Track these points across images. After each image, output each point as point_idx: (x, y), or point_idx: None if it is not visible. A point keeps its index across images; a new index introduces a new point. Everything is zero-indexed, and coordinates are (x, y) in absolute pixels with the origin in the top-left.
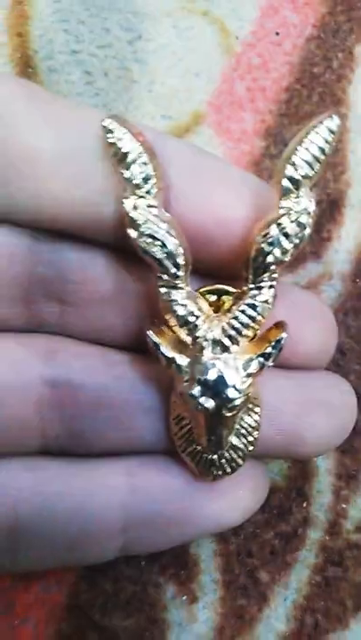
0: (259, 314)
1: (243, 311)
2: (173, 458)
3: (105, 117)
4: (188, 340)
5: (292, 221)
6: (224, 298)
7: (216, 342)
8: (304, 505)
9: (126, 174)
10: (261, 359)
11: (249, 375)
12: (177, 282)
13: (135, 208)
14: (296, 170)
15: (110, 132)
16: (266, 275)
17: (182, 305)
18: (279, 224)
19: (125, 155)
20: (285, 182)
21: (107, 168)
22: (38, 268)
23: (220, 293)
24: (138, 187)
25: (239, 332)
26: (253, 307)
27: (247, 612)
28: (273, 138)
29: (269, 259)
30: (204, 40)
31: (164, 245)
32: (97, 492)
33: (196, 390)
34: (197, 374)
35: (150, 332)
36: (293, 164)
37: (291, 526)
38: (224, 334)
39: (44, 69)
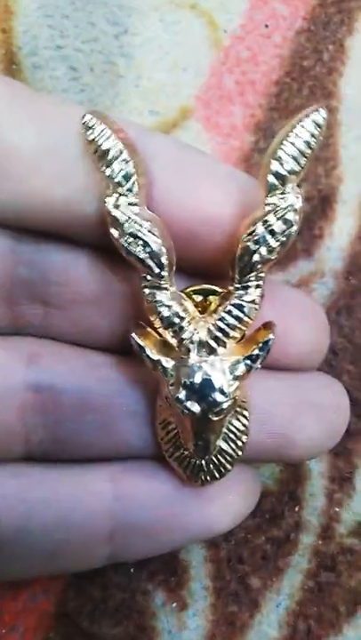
0: (245, 314)
1: (229, 312)
2: (161, 463)
3: (85, 113)
4: (174, 342)
5: (278, 218)
6: (211, 298)
7: (202, 344)
8: (296, 509)
9: (107, 172)
10: (248, 361)
11: (236, 378)
12: (161, 282)
13: (117, 207)
14: (282, 165)
15: (90, 128)
16: (252, 274)
17: (167, 306)
18: (265, 221)
19: (105, 152)
20: (271, 178)
21: (88, 166)
22: (20, 269)
23: (206, 293)
24: (119, 185)
25: (226, 334)
26: (240, 307)
27: (238, 619)
28: (263, 132)
29: (255, 257)
30: (191, 33)
31: (146, 245)
32: (82, 498)
33: (182, 394)
34: (183, 377)
35: (134, 335)
36: (279, 159)
37: (283, 531)
38: (210, 336)
39: (28, 66)
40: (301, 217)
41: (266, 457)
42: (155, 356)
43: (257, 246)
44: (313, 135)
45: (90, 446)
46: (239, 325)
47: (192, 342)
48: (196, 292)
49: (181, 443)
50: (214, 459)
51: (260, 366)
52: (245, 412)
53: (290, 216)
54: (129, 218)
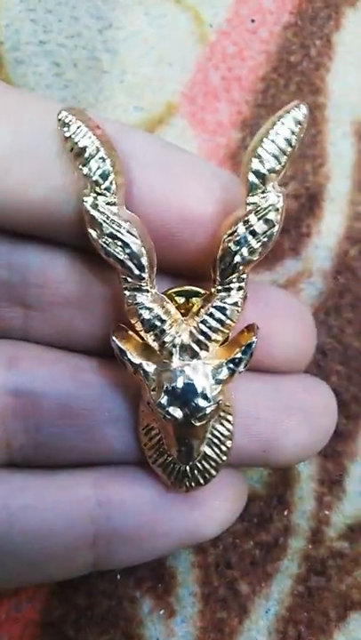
0: (228, 317)
1: (211, 314)
2: (144, 469)
3: (60, 110)
4: (155, 345)
5: (259, 219)
6: (193, 300)
7: (184, 348)
8: (285, 513)
9: (84, 170)
10: (231, 365)
11: (219, 382)
12: (142, 284)
13: (95, 206)
14: (262, 163)
15: (66, 125)
16: (234, 275)
17: (148, 309)
18: (246, 222)
19: (82, 150)
20: (251, 177)
21: (65, 164)
22: None
23: (189, 295)
24: (96, 184)
25: (208, 337)
26: (222, 310)
27: (227, 625)
28: (250, 129)
29: (237, 259)
30: (177, 28)
31: (125, 246)
32: (65, 504)
33: (164, 399)
34: (165, 382)
35: (115, 338)
36: (259, 157)
37: (271, 535)
38: (192, 339)
39: (10, 61)
40: (283, 217)
41: (252, 462)
42: (136, 359)
43: (238, 247)
44: (293, 132)
45: (72, 452)
46: (222, 328)
47: (174, 346)
48: (178, 294)
49: (165, 448)
50: (198, 464)
51: (243, 370)
52: (230, 417)
53: (271, 216)
54: (107, 218)
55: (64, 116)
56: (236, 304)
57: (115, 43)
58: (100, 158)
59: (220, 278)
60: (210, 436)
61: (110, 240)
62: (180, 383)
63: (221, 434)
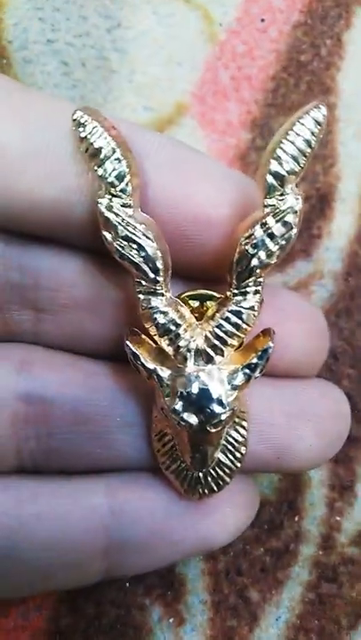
0: (244, 321)
1: (227, 319)
2: (157, 475)
3: (75, 110)
4: (170, 350)
5: (277, 221)
6: (208, 303)
7: (199, 353)
8: (296, 519)
9: (99, 172)
10: (247, 370)
11: (235, 388)
12: (156, 287)
13: (110, 208)
14: (281, 165)
15: (81, 125)
16: (251, 279)
17: (163, 313)
18: (264, 224)
19: (98, 151)
20: (270, 178)
21: (79, 165)
22: (10, 273)
23: (203, 299)
24: (112, 185)
25: (224, 342)
26: (238, 314)
27: (237, 634)
28: (260, 129)
29: (254, 262)
30: (186, 27)
31: (140, 248)
32: (76, 513)
33: (179, 405)
34: (179, 387)
35: (129, 342)
36: (278, 159)
37: (282, 542)
38: (207, 344)
39: (18, 60)
40: (301, 219)
41: (265, 468)
42: (150, 364)
43: (255, 250)
44: (313, 133)
45: (83, 458)
46: (237, 333)
47: (189, 350)
48: (192, 298)
49: (178, 455)
50: (212, 471)
51: (259, 375)
52: (244, 423)
53: (290, 218)
54: (122, 220)
55: (79, 115)
56: (252, 308)
57: (123, 42)
58: (115, 159)
59: (236, 282)
60: (224, 442)
61: (125, 243)
62: (195, 389)
63: (236, 440)
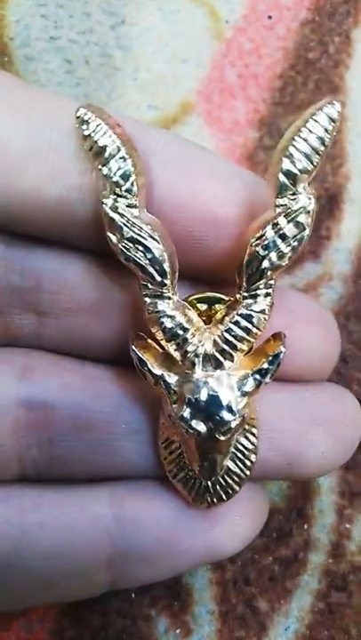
0: (254, 325)
1: (236, 323)
2: (164, 483)
3: (79, 107)
4: (177, 355)
5: (289, 221)
6: (216, 306)
7: (208, 358)
8: (305, 527)
9: (104, 171)
10: (258, 376)
11: (245, 394)
12: (163, 290)
13: (115, 209)
14: (293, 163)
15: (85, 123)
16: (261, 281)
17: (170, 317)
18: (275, 225)
19: (102, 149)
20: (282, 177)
21: (82, 164)
22: (11, 276)
23: (211, 302)
24: (117, 185)
25: (233, 346)
26: (248, 317)
27: None
28: (267, 128)
29: (265, 264)
30: (191, 24)
31: (147, 250)
32: (80, 522)
33: (187, 412)
34: (187, 394)
35: (135, 347)
36: (290, 157)
37: (291, 550)
38: (216, 349)
39: (20, 58)
40: (314, 219)
41: (275, 475)
42: (157, 370)
43: (266, 252)
44: (327, 130)
45: (87, 466)
46: (247, 337)
47: (197, 355)
48: (200, 301)
49: (186, 463)
50: (221, 479)
51: (269, 381)
52: (254, 430)
53: (302, 219)
54: (128, 221)
55: (83, 113)
56: (263, 311)
57: (127, 39)
58: (120, 158)
59: (246, 284)
60: (233, 449)
61: (131, 244)
62: (203, 395)
63: (245, 447)
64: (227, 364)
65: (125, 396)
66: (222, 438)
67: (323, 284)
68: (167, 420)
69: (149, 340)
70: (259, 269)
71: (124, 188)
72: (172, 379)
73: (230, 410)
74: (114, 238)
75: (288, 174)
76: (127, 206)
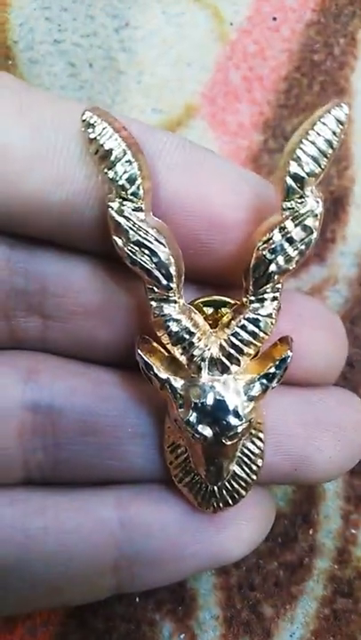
0: (261, 330)
1: (243, 327)
2: (169, 488)
3: (85, 110)
4: (183, 359)
5: (296, 225)
6: (222, 310)
7: (214, 362)
8: (310, 532)
9: (110, 174)
10: (264, 381)
11: (251, 399)
12: (169, 294)
13: (120, 212)
14: (301, 166)
15: (91, 126)
16: (268, 285)
17: (176, 320)
18: (282, 228)
19: (108, 153)
20: (289, 180)
21: (88, 167)
22: (16, 279)
23: (217, 305)
24: (123, 188)
25: (240, 351)
26: (255, 322)
27: None
28: (272, 131)
29: (272, 268)
30: (196, 27)
31: (153, 254)
32: (86, 526)
33: (193, 416)
34: (194, 398)
35: (141, 352)
36: (298, 160)
37: (296, 555)
38: (223, 353)
39: (24, 61)
40: (321, 223)
41: (282, 480)
42: (163, 374)
43: (274, 256)
44: (335, 133)
45: (93, 470)
46: (254, 341)
47: (203, 360)
48: (206, 304)
49: (192, 467)
50: (227, 484)
51: (276, 385)
52: (261, 435)
53: (310, 222)
54: (134, 225)
55: (89, 116)
56: (270, 315)
57: (132, 42)
58: (126, 162)
59: (253, 288)
60: (240, 454)
61: (137, 248)
62: (209, 400)
63: (252, 452)
64: (233, 368)
65: (131, 399)
66: (228, 443)
67: (328, 288)
68: (173, 424)
69: (155, 344)
70: (266, 273)
71: (129, 192)
72: (178, 383)
73: (237, 414)
74: (120, 242)
75: (295, 177)
76: (133, 210)
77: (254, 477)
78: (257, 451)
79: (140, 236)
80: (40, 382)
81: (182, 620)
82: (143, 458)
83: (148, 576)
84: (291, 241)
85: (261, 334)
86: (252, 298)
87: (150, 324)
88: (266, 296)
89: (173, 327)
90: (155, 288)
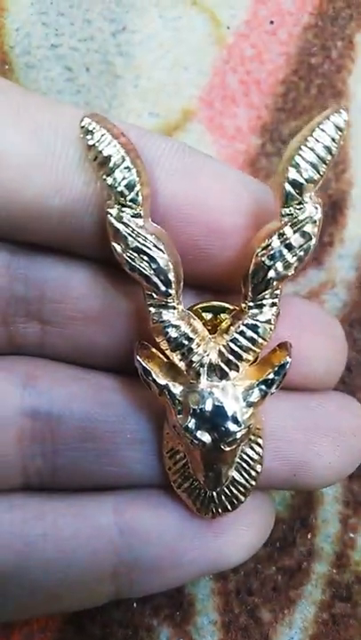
0: (260, 336)
1: (242, 333)
2: (168, 493)
3: (83, 116)
4: (182, 365)
5: (295, 231)
6: (221, 315)
7: (213, 368)
8: (309, 536)
9: (109, 181)
10: (263, 387)
11: (250, 405)
12: (168, 300)
13: (119, 219)
14: (300, 173)
15: (89, 132)
16: (267, 291)
17: (175, 326)
18: (281, 234)
19: (107, 159)
20: (288, 187)
21: (87, 174)
22: (15, 285)
23: (216, 311)
24: (121, 195)
25: (238, 357)
26: (254, 328)
27: None
28: (270, 134)
29: (271, 274)
30: (193, 31)
31: (152, 260)
32: (84, 532)
33: (191, 423)
34: (192, 404)
35: (140, 357)
36: (297, 166)
37: (294, 560)
38: (222, 359)
39: (21, 66)
40: (320, 229)
41: (281, 485)
42: (162, 380)
43: (272, 262)
44: (334, 140)
45: (92, 476)
46: (253, 347)
47: (202, 366)
48: (205, 310)
49: (191, 473)
50: (226, 490)
51: (275, 391)
52: (260, 440)
53: (308, 228)
54: (132, 231)
55: (87, 122)
56: (268, 321)
57: (129, 46)
58: (125, 168)
59: (252, 294)
60: (239, 460)
61: (135, 254)
62: (208, 406)
63: (251, 458)
64: (232, 374)
65: (130, 405)
66: (227, 449)
67: (326, 292)
68: (172, 430)
69: (154, 350)
70: (265, 279)
71: (128, 198)
72: (176, 389)
73: (235, 420)
74: (118, 248)
75: (294, 184)
76: (132, 216)
77: (253, 483)
78: (256, 456)
79: (138, 242)
80: (39, 388)
81: (180, 625)
82: (142, 463)
83: (146, 582)
84: (290, 247)
85: (260, 340)
86: (251, 304)
87: (149, 329)
88: (265, 302)
89: (172, 333)
90: (154, 294)
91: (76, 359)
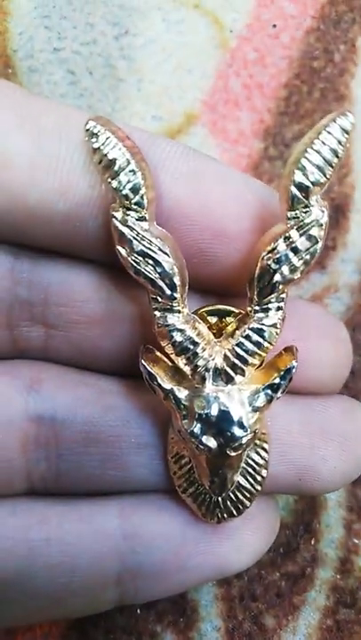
0: (266, 340)
1: (248, 337)
2: (173, 498)
3: (88, 119)
4: (187, 369)
5: (301, 235)
6: (227, 319)
7: (218, 372)
8: (312, 542)
9: (113, 184)
10: (269, 391)
11: (256, 409)
12: (173, 304)
13: (124, 222)
14: (306, 175)
15: (94, 135)
16: (273, 295)
17: (180, 330)
18: (287, 238)
19: (112, 162)
20: (294, 190)
21: (92, 177)
22: (19, 289)
23: (221, 314)
24: (126, 198)
25: (244, 361)
26: (260, 332)
27: None
28: (272, 138)
29: (277, 278)
30: (196, 34)
31: (157, 264)
32: (89, 537)
33: (197, 427)
34: (198, 409)
35: (144, 361)
36: (303, 169)
37: (298, 565)
38: (227, 363)
39: (24, 70)
40: (326, 232)
41: (285, 490)
42: (167, 385)
43: (278, 265)
44: (340, 142)
45: (96, 480)
46: (259, 351)
47: (207, 370)
48: (210, 313)
49: (196, 478)
50: (232, 495)
51: (281, 396)
52: (265, 445)
53: (315, 232)
54: (138, 234)
55: (92, 125)
56: (274, 325)
57: (131, 50)
58: (130, 171)
59: (257, 298)
60: (244, 465)
61: (141, 258)
62: (214, 410)
63: (256, 463)
64: (238, 378)
65: (135, 409)
66: (233, 454)
67: (329, 295)
68: (177, 435)
69: (159, 354)
70: (270, 283)
71: (133, 202)
72: (181, 393)
73: (241, 425)
74: (123, 252)
75: (300, 187)
76: (137, 219)
77: (259, 488)
78: (261, 461)
79: (143, 245)
80: (43, 392)
81: (184, 631)
82: (147, 468)
83: (151, 588)
84: (296, 251)
85: (266, 344)
86: (257, 307)
87: (154, 333)
88: (270, 306)
89: (177, 337)
90: (158, 298)
91: (80, 363)
